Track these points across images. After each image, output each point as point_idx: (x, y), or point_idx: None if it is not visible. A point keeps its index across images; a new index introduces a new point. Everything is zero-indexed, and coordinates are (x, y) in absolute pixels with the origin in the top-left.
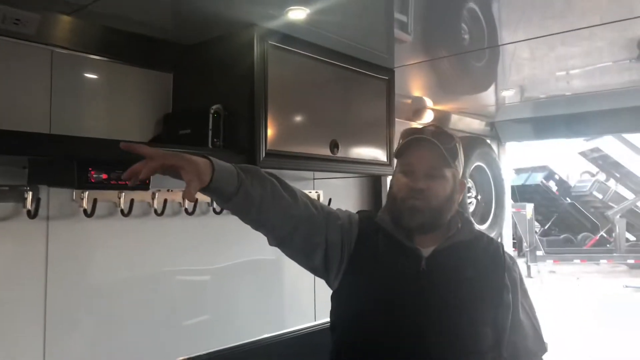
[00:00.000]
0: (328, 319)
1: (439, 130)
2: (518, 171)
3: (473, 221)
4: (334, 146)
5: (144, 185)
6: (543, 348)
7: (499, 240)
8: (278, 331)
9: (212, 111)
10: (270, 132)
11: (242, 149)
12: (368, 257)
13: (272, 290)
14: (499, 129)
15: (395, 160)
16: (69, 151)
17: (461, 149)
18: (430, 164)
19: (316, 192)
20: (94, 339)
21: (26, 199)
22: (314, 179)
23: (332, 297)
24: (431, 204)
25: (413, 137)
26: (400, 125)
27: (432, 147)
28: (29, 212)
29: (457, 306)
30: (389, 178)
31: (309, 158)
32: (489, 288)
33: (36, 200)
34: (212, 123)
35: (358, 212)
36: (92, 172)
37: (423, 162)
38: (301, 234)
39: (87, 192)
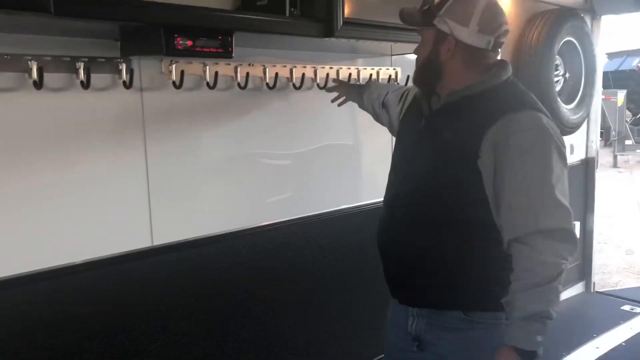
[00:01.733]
0: None
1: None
2: (611, 56)
3: (508, 69)
4: None
5: (227, 53)
6: (534, 227)
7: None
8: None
9: None
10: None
11: (319, 18)
12: (402, 123)
13: (350, 172)
14: (594, 0)
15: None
16: (156, 17)
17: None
18: (418, 32)
19: (394, 69)
20: (193, 203)
21: (121, 70)
22: (392, 55)
23: None
24: (418, 65)
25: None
26: None
27: (407, 17)
28: (124, 82)
29: (428, 167)
30: None
31: (387, 27)
32: (457, 151)
33: (130, 72)
34: None
35: None
36: (178, 39)
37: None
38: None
39: (174, 65)
